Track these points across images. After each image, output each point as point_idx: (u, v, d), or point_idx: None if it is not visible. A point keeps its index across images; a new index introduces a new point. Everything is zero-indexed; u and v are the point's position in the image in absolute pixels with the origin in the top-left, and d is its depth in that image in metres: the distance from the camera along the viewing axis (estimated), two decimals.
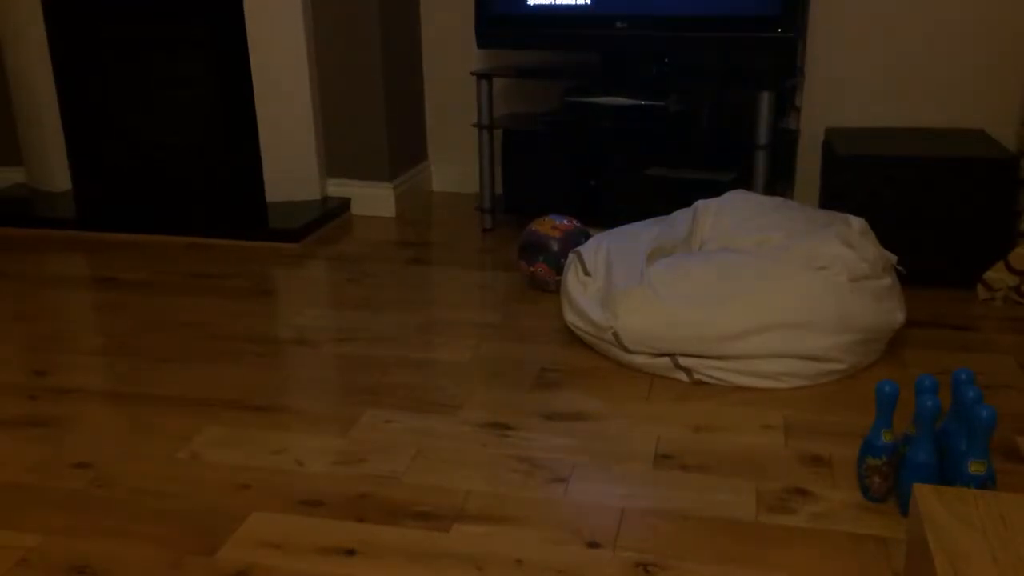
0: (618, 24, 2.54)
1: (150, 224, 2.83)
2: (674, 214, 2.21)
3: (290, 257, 2.64)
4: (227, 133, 3.01)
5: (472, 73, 2.69)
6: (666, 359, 1.83)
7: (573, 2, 2.57)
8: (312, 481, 1.51)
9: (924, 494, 0.77)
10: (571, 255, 2.08)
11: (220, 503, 1.45)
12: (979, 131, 2.52)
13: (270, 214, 2.87)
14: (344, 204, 2.96)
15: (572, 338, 2.04)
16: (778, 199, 2.18)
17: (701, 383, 1.82)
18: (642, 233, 2.10)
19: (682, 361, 1.82)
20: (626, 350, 1.86)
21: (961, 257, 2.22)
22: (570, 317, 1.98)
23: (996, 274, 2.18)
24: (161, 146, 3.09)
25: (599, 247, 2.06)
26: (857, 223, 2.00)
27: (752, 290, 1.81)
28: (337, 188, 2.98)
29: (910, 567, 0.79)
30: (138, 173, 3.14)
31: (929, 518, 0.74)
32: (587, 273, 2.00)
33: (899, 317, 1.89)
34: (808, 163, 2.75)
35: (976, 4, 2.51)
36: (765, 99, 2.39)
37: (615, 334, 1.85)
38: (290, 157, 2.91)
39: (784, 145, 2.66)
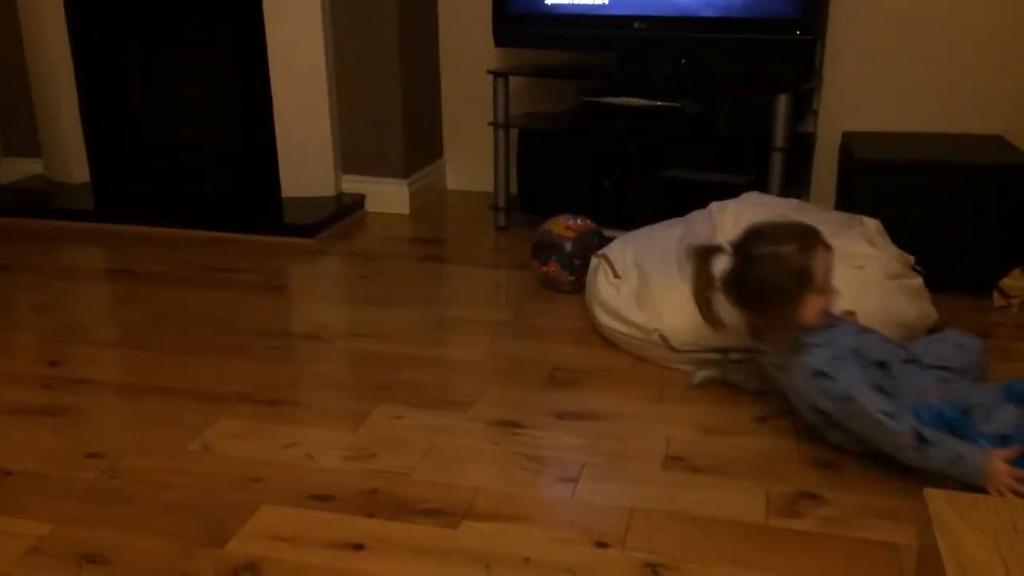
0: (636, 24, 2.53)
1: (167, 217, 2.85)
2: (691, 216, 2.20)
3: (305, 253, 2.65)
4: (244, 128, 3.03)
5: (489, 71, 2.70)
6: (715, 356, 1.81)
7: (591, 2, 2.57)
8: (322, 475, 1.51)
9: (935, 499, 0.77)
10: (595, 259, 2.07)
11: (231, 496, 1.45)
12: (997, 137, 2.50)
13: (285, 209, 2.89)
14: (359, 201, 2.97)
15: (584, 338, 2.04)
16: (793, 201, 2.17)
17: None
18: (665, 234, 2.08)
19: (734, 357, 1.79)
20: (673, 350, 1.85)
21: (977, 263, 2.21)
22: (606, 321, 1.96)
23: (1012, 281, 2.16)
24: (178, 140, 3.11)
25: (625, 249, 2.04)
26: (872, 223, 2.02)
27: None
28: (352, 184, 2.98)
29: (921, 573, 0.78)
30: (155, 167, 3.16)
31: (940, 523, 0.74)
32: (617, 276, 1.99)
33: (933, 315, 1.91)
34: (824, 166, 2.73)
35: (994, 9, 2.49)
36: (782, 102, 2.38)
37: (662, 335, 1.84)
38: (306, 153, 2.92)
39: (801, 148, 2.65)
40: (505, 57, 2.88)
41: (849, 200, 2.33)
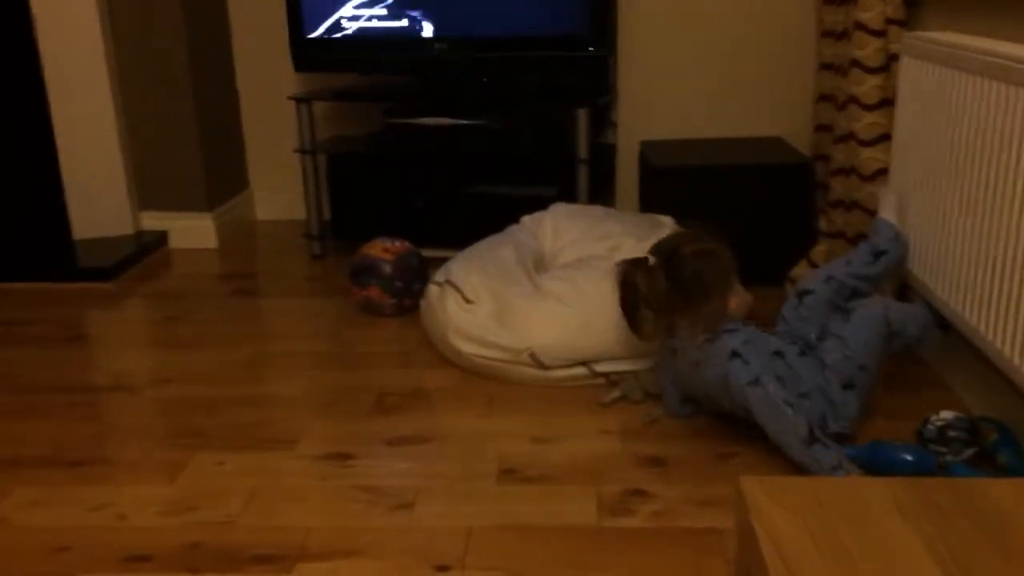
0: (436, 46, 2.55)
1: None
2: (509, 231, 2.23)
3: (103, 297, 2.48)
4: (25, 167, 2.79)
5: (290, 98, 2.63)
6: (582, 368, 1.84)
7: (390, 25, 2.56)
8: (138, 535, 1.41)
9: (748, 484, 0.82)
10: (436, 287, 2.03)
11: (35, 570, 1.33)
12: (777, 139, 2.70)
13: (79, 252, 2.69)
14: (161, 238, 2.81)
15: (409, 360, 2.02)
16: (599, 207, 2.27)
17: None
18: (497, 253, 2.09)
19: (598, 367, 1.83)
20: (544, 367, 1.86)
21: (769, 256, 2.37)
22: (466, 347, 1.91)
23: (801, 271, 2.33)
24: None
25: (468, 274, 2.01)
26: (668, 220, 2.19)
27: None
28: (152, 221, 2.82)
29: (741, 554, 0.83)
30: None
31: (754, 506, 0.78)
32: (469, 300, 1.96)
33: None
34: (626, 174, 2.86)
35: (769, 25, 2.70)
36: (582, 116, 2.47)
37: (532, 354, 1.85)
38: (97, 190, 2.73)
39: (603, 158, 2.75)
40: (307, 81, 2.83)
41: (650, 204, 2.45)
